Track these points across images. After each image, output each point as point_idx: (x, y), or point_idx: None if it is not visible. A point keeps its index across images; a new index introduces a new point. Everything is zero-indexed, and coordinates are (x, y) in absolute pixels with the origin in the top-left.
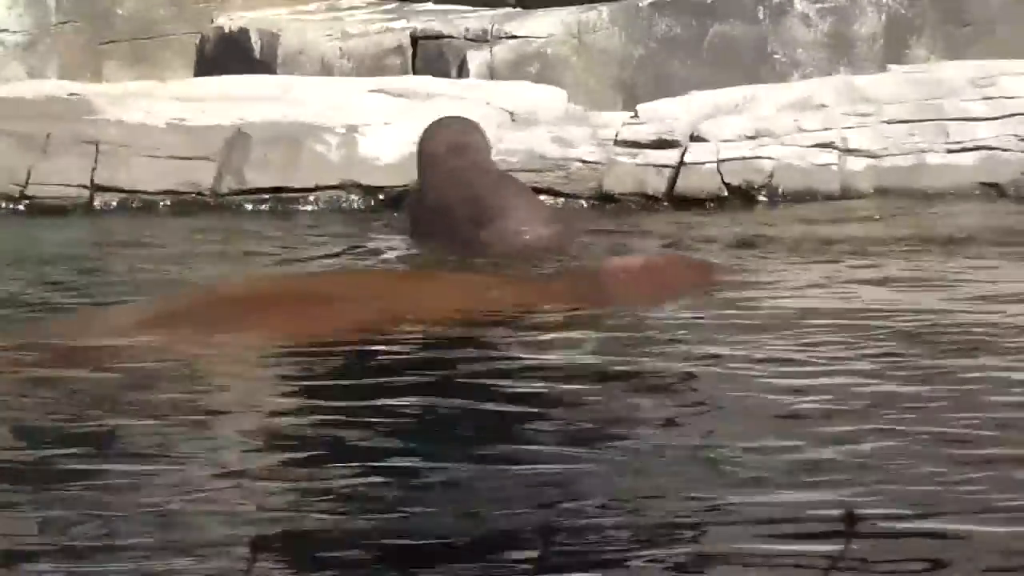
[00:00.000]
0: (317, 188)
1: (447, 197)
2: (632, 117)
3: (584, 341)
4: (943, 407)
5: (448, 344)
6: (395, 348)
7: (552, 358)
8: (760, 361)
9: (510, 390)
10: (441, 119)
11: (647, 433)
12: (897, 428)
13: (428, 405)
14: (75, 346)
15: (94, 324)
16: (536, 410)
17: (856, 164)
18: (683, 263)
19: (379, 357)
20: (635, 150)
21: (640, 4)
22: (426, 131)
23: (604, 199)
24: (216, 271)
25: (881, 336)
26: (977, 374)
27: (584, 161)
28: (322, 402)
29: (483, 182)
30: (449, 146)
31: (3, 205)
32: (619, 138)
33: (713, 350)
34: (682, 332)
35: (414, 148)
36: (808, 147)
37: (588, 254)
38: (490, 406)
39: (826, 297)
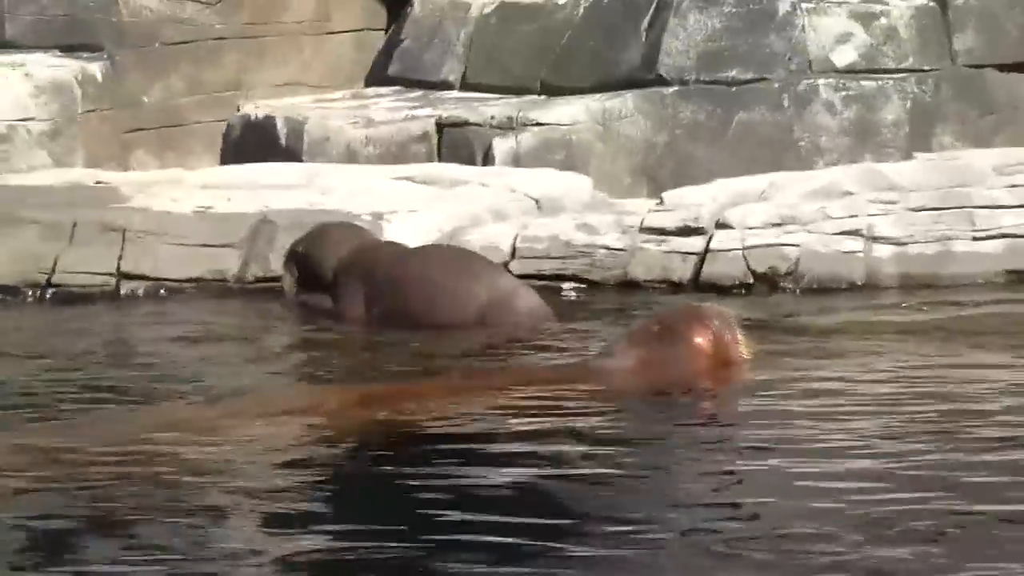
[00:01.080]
0: None
1: (424, 272)
2: (657, 204)
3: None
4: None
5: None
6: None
7: None
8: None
9: None
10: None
11: None
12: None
13: None
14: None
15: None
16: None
17: (882, 251)
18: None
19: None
20: (661, 237)
21: (665, 92)
22: (331, 227)
23: (629, 286)
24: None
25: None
26: None
27: (609, 248)
28: None
29: (465, 259)
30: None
31: (30, 293)
32: (644, 225)
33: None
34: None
35: (440, 235)
36: (834, 234)
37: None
38: None
39: (850, 384)
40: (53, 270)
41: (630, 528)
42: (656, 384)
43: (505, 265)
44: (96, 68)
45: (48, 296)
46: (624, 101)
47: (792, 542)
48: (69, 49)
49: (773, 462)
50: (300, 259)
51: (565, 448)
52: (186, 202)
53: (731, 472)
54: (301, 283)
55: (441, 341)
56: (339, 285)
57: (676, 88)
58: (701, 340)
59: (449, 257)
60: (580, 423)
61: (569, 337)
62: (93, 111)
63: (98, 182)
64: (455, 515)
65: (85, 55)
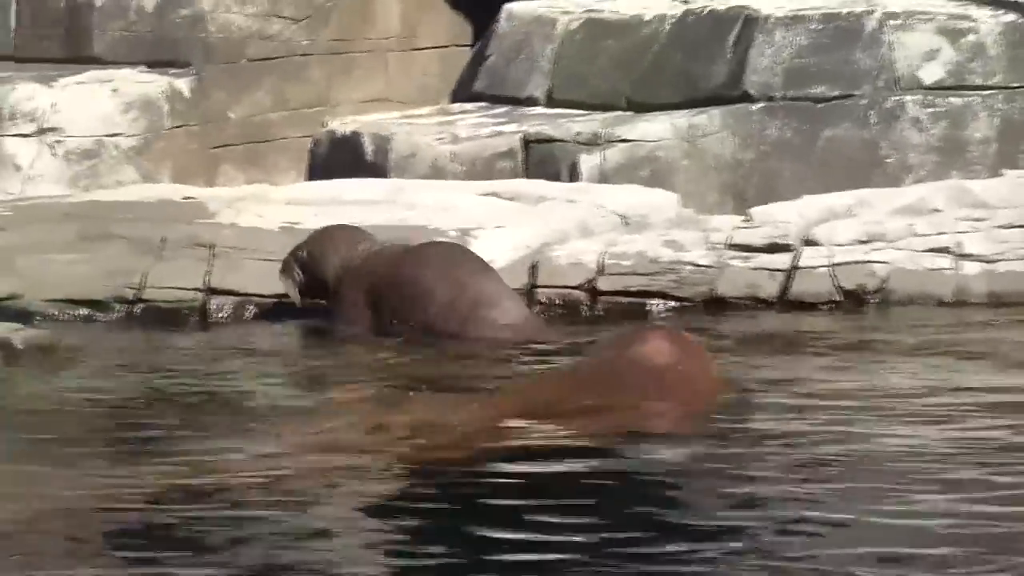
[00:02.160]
0: None
1: (418, 278)
2: (744, 221)
3: None
4: None
5: None
6: None
7: None
8: None
9: None
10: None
11: None
12: None
13: None
14: None
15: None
16: None
17: (970, 269)
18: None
19: None
20: (748, 254)
21: (751, 108)
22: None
23: (715, 303)
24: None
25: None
26: None
27: (696, 265)
28: None
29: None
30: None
31: (119, 308)
32: (731, 242)
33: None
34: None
35: (526, 251)
36: (922, 251)
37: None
38: None
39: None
40: (142, 285)
41: None
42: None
43: (591, 282)
44: (183, 84)
45: (137, 311)
46: (710, 117)
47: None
48: (157, 65)
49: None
50: (303, 263)
51: None
52: (273, 218)
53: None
54: (304, 289)
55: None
56: (341, 291)
57: (762, 105)
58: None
59: (440, 262)
60: None
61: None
62: (180, 127)
63: (186, 197)
64: None
65: (173, 71)
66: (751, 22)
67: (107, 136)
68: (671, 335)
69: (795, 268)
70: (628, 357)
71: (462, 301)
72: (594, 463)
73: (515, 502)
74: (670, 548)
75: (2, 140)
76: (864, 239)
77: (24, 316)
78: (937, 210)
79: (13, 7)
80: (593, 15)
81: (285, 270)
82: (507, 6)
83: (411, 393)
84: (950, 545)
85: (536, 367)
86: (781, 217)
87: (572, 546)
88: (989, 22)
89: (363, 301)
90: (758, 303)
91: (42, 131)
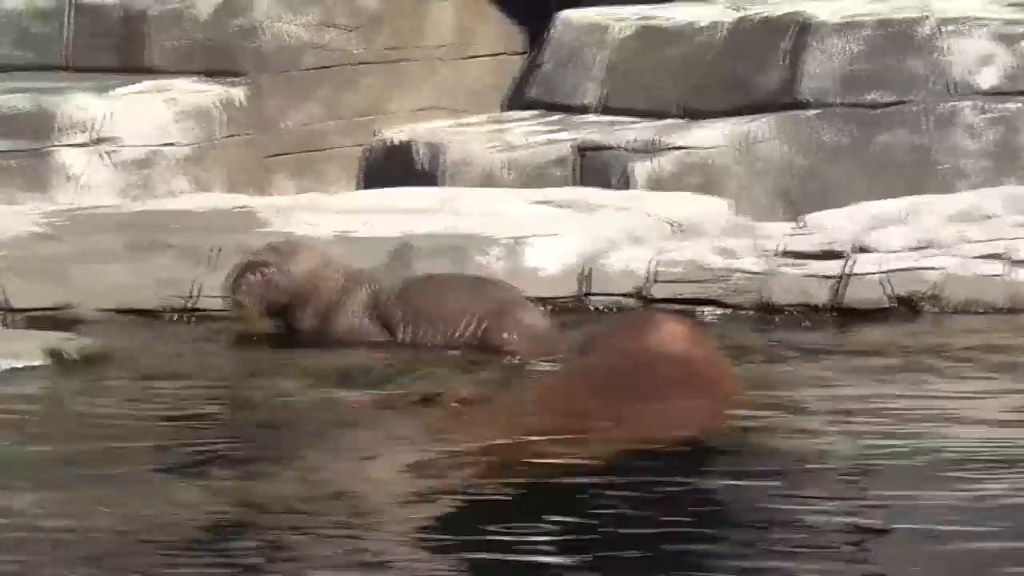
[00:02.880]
0: None
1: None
2: (796, 227)
3: None
4: None
5: None
6: None
7: None
8: None
9: None
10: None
11: None
12: None
13: None
14: None
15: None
16: None
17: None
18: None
19: None
20: (799, 260)
21: (805, 114)
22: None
23: (766, 310)
24: None
25: None
26: None
27: (747, 272)
28: None
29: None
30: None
31: (172, 317)
32: (783, 248)
33: None
34: None
35: (577, 260)
36: (975, 258)
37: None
38: None
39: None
40: (194, 295)
41: None
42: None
43: (642, 289)
44: (237, 93)
45: (190, 320)
46: (764, 124)
47: None
48: (211, 74)
49: None
50: (270, 281)
51: None
52: (325, 227)
53: None
54: (265, 310)
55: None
56: (344, 306)
57: (816, 111)
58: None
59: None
60: None
61: None
62: (234, 136)
63: (238, 207)
64: None
65: (227, 80)
66: (805, 29)
67: (161, 146)
68: (678, 320)
69: (847, 275)
70: (649, 346)
71: (491, 314)
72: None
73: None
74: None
75: (57, 150)
76: (917, 245)
77: (76, 325)
78: (991, 216)
79: (68, 17)
80: (647, 22)
81: (247, 290)
82: (561, 14)
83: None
84: None
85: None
86: (833, 224)
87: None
88: None
89: (369, 317)
90: (809, 310)
91: (96, 141)
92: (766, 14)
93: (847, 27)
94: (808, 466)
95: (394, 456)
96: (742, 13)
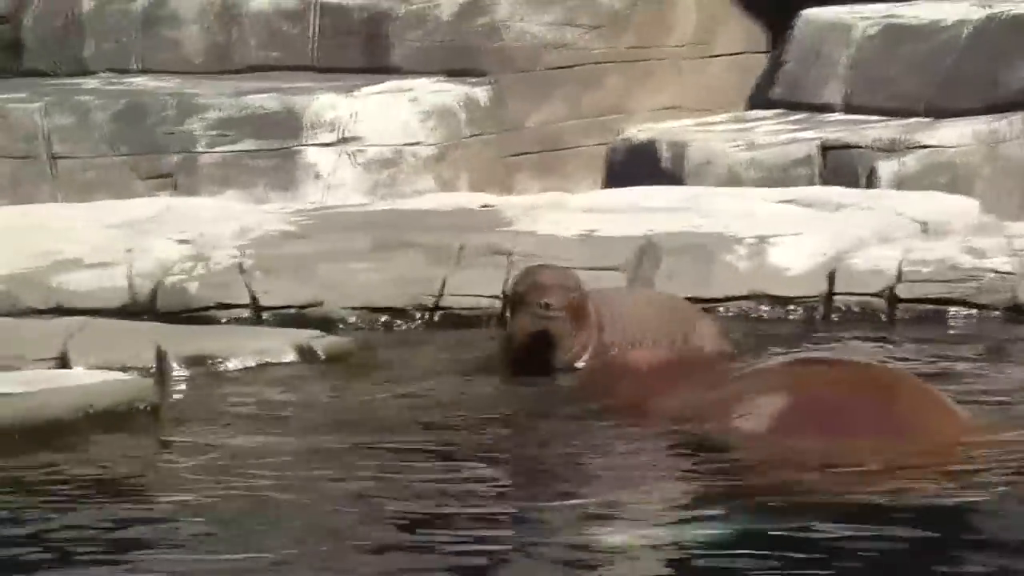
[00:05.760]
0: (727, 299)
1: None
2: None
3: None
4: None
5: None
6: None
7: None
8: None
9: None
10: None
11: None
12: None
13: None
14: None
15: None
16: None
17: None
18: None
19: None
20: None
21: None
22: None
23: (1017, 310)
24: None
25: None
26: None
27: (997, 271)
28: None
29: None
30: None
31: (418, 316)
32: None
33: None
34: None
35: (824, 259)
36: None
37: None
38: None
39: None
40: (441, 293)
41: None
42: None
43: (890, 289)
44: (480, 93)
45: (436, 319)
46: (1011, 123)
47: None
48: (454, 74)
49: None
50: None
51: None
52: (570, 225)
53: None
54: None
55: None
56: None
57: None
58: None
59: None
60: None
61: None
62: (477, 135)
63: (483, 206)
64: None
65: (470, 80)
66: None
67: (406, 145)
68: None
69: None
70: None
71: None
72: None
73: None
74: None
75: (304, 149)
76: None
77: (325, 324)
78: None
79: (314, 18)
80: (891, 20)
81: (559, 302)
82: (804, 12)
83: None
84: None
85: None
86: None
87: None
88: None
89: None
90: None
91: (343, 140)
92: (1015, 11)
93: None
94: None
95: None
96: (989, 11)
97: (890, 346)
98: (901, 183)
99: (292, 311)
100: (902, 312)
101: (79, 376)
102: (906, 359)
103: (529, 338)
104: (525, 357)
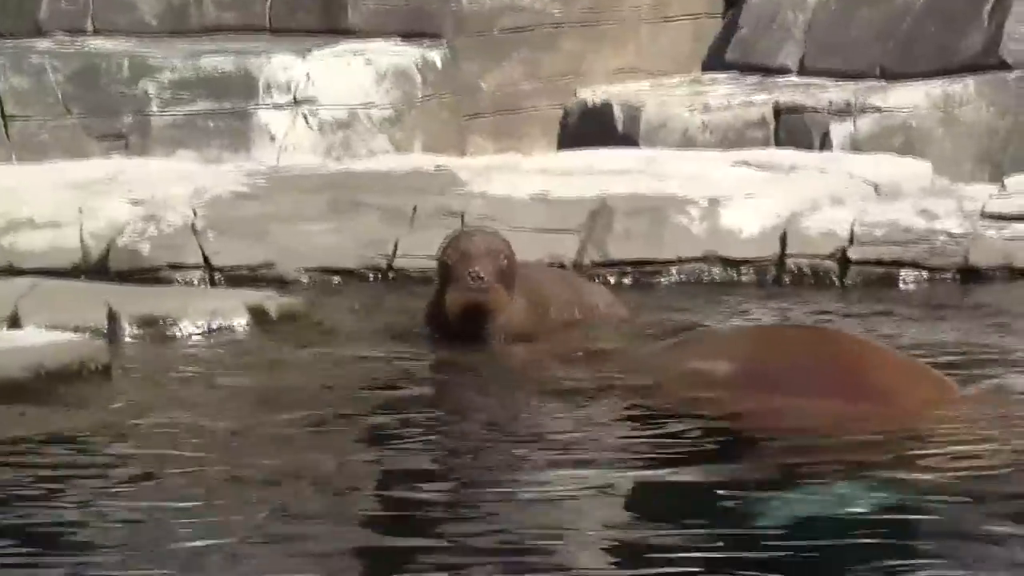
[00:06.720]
0: (679, 261)
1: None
2: (1000, 190)
3: None
4: None
5: None
6: None
7: None
8: None
9: None
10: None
11: None
12: None
13: None
14: None
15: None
16: None
17: None
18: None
19: None
20: (1002, 223)
21: (1008, 77)
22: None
23: (968, 273)
24: None
25: None
26: None
27: (950, 234)
28: None
29: None
30: None
31: (371, 276)
32: (985, 211)
33: None
34: None
35: (777, 221)
36: None
37: None
38: None
39: None
40: (394, 254)
41: None
42: None
43: (842, 251)
44: (435, 55)
45: (389, 279)
46: (966, 86)
47: None
48: (410, 36)
49: None
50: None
51: None
52: (524, 187)
53: None
54: None
55: None
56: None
57: (1019, 73)
58: None
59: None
60: None
61: None
62: (432, 97)
63: (437, 167)
64: None
65: (425, 42)
66: None
67: (360, 107)
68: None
69: None
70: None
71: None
72: None
73: None
74: None
75: (258, 111)
76: None
77: (278, 283)
78: None
79: None
80: None
81: (490, 270)
82: None
83: None
84: None
85: None
86: None
87: None
88: None
89: None
90: (1013, 273)
91: (297, 102)
92: None
93: None
94: None
95: None
96: None
97: (840, 305)
98: (855, 146)
99: (245, 272)
100: (854, 274)
101: (30, 336)
102: (856, 318)
103: (461, 309)
104: (459, 326)
